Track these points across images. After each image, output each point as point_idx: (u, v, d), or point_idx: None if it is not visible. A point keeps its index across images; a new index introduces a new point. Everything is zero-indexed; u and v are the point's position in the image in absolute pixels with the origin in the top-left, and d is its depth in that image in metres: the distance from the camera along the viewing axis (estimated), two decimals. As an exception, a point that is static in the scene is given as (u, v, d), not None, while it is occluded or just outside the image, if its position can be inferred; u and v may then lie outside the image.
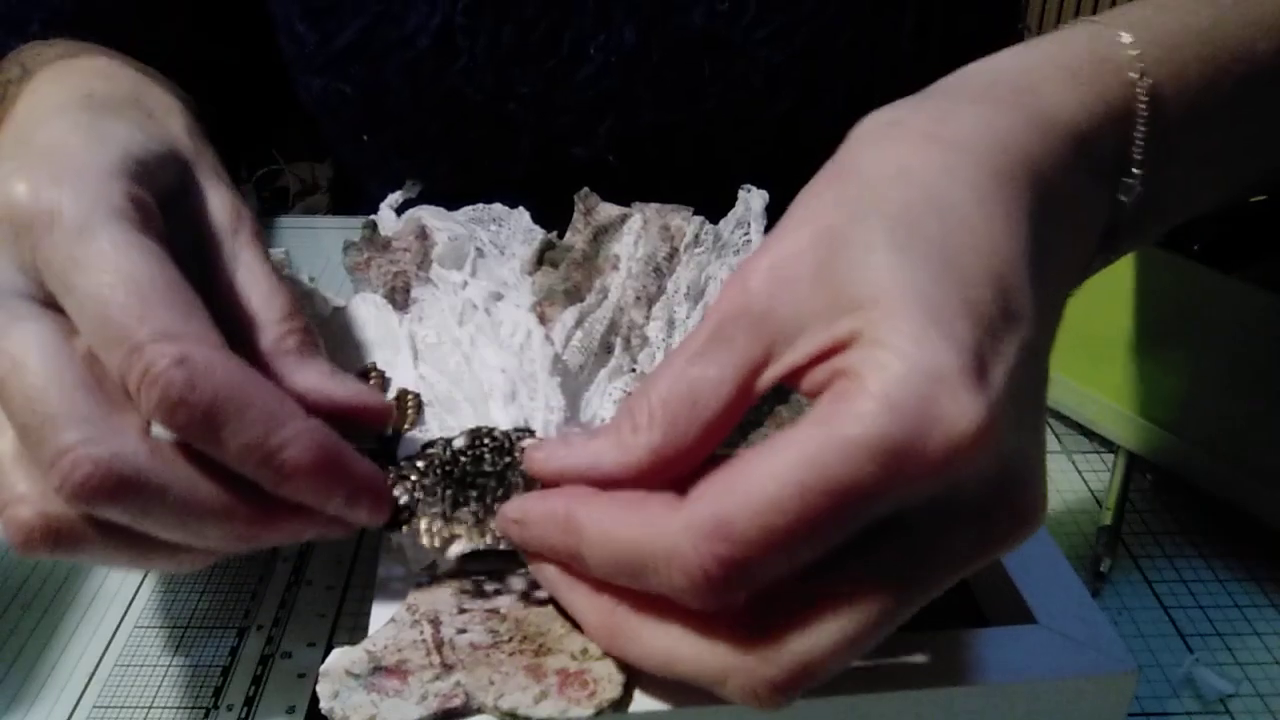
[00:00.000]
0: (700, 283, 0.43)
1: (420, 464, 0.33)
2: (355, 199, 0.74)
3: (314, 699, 0.29)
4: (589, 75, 0.58)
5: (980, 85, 0.31)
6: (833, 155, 0.30)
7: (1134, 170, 0.31)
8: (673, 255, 0.44)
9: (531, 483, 0.31)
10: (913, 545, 0.25)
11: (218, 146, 0.63)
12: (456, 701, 0.28)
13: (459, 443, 0.34)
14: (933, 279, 0.25)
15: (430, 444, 0.34)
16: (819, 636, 0.25)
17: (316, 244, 0.66)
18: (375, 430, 0.35)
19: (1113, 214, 0.32)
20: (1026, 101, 0.30)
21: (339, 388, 0.33)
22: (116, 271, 0.29)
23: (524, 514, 0.29)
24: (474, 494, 0.32)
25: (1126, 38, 0.32)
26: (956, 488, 0.25)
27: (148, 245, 0.30)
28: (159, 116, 0.36)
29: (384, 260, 0.45)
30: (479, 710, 0.28)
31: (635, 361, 0.39)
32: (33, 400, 0.28)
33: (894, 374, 0.24)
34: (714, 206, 0.47)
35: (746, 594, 0.25)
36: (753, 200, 0.46)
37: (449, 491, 0.33)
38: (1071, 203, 0.29)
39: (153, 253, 0.30)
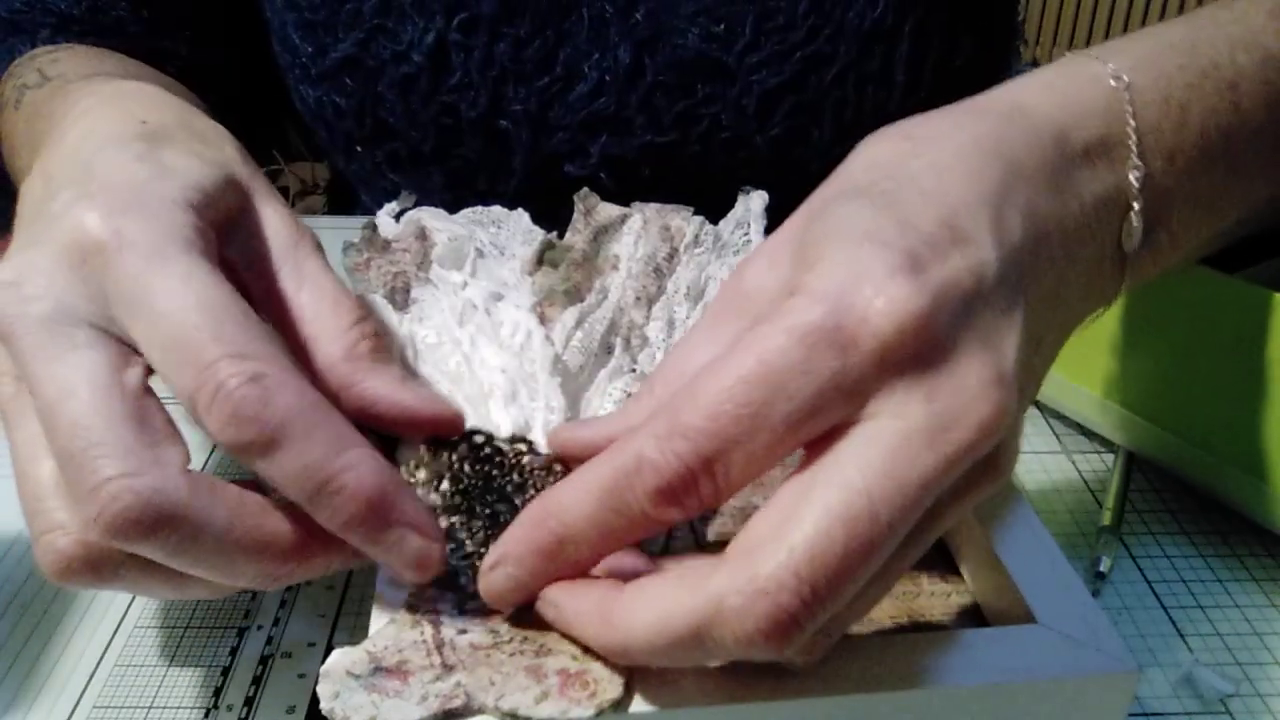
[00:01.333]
0: (700, 283, 0.43)
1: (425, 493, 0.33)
2: (352, 202, 0.74)
3: (314, 699, 0.29)
4: (583, 94, 0.58)
5: (958, 104, 0.33)
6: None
7: (1134, 160, 0.33)
8: (673, 255, 0.44)
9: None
10: (871, 437, 0.26)
11: None
12: (457, 702, 0.28)
13: (463, 465, 0.33)
14: (874, 211, 0.28)
15: (430, 457, 0.34)
16: (799, 530, 0.25)
17: (316, 244, 0.66)
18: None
19: (1123, 206, 0.33)
20: (999, 106, 0.32)
21: (411, 396, 0.33)
22: (190, 294, 0.29)
23: (503, 548, 0.29)
24: (484, 524, 0.32)
25: (1102, 58, 0.34)
26: (896, 377, 0.26)
27: (217, 273, 0.30)
28: (212, 141, 0.36)
29: (384, 261, 0.45)
30: (479, 711, 0.28)
31: (635, 362, 0.39)
32: (78, 428, 0.28)
33: (821, 274, 0.26)
34: (702, 213, 0.47)
35: (720, 492, 0.26)
36: (752, 201, 0.46)
37: (461, 518, 0.32)
38: (1054, 179, 0.31)
39: (219, 279, 0.30)
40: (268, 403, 0.28)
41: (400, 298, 0.43)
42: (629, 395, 0.38)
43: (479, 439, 0.34)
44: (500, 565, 0.29)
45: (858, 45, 0.57)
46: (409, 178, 0.62)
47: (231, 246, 0.34)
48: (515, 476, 0.33)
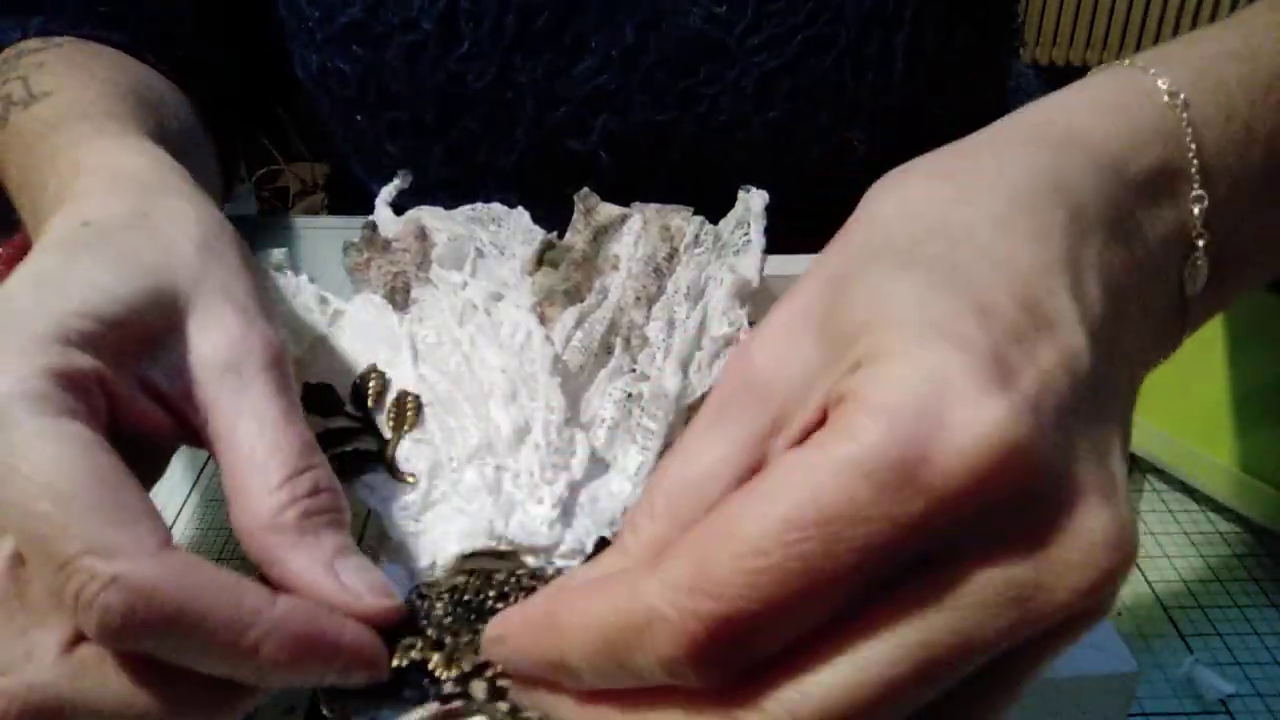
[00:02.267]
0: (700, 283, 0.43)
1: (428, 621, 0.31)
2: (351, 199, 0.74)
3: (314, 699, 0.29)
4: (588, 69, 0.58)
5: (995, 131, 0.28)
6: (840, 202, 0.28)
7: (1197, 189, 0.28)
8: (673, 255, 0.44)
9: None
10: (943, 580, 0.20)
11: (225, 145, 0.63)
12: (458, 702, 0.28)
13: (443, 611, 0.31)
14: (936, 290, 0.22)
15: (426, 592, 0.32)
16: (817, 681, 0.21)
17: (316, 244, 0.66)
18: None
19: (1187, 238, 0.28)
20: (1047, 133, 0.27)
21: (334, 586, 0.28)
22: (36, 474, 0.25)
23: (504, 626, 0.26)
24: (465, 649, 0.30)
25: (1152, 69, 0.29)
26: (989, 519, 0.20)
27: (73, 435, 0.26)
28: (164, 233, 0.33)
29: (384, 261, 0.45)
30: (479, 711, 0.28)
31: (635, 362, 0.39)
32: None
33: (891, 382, 0.21)
34: (704, 208, 0.47)
35: (751, 662, 0.21)
36: (753, 200, 0.46)
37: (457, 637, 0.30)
38: (1120, 223, 0.26)
39: (79, 444, 0.26)
40: (134, 609, 0.24)
41: (400, 298, 0.43)
42: (629, 396, 0.38)
43: (423, 589, 0.32)
44: (499, 644, 0.26)
45: (857, 29, 0.58)
46: (408, 149, 0.62)
47: (155, 365, 0.30)
48: (492, 592, 0.31)
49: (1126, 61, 0.30)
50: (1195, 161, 0.28)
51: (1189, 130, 0.28)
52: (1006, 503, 0.20)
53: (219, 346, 0.31)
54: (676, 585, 0.21)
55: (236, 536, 0.29)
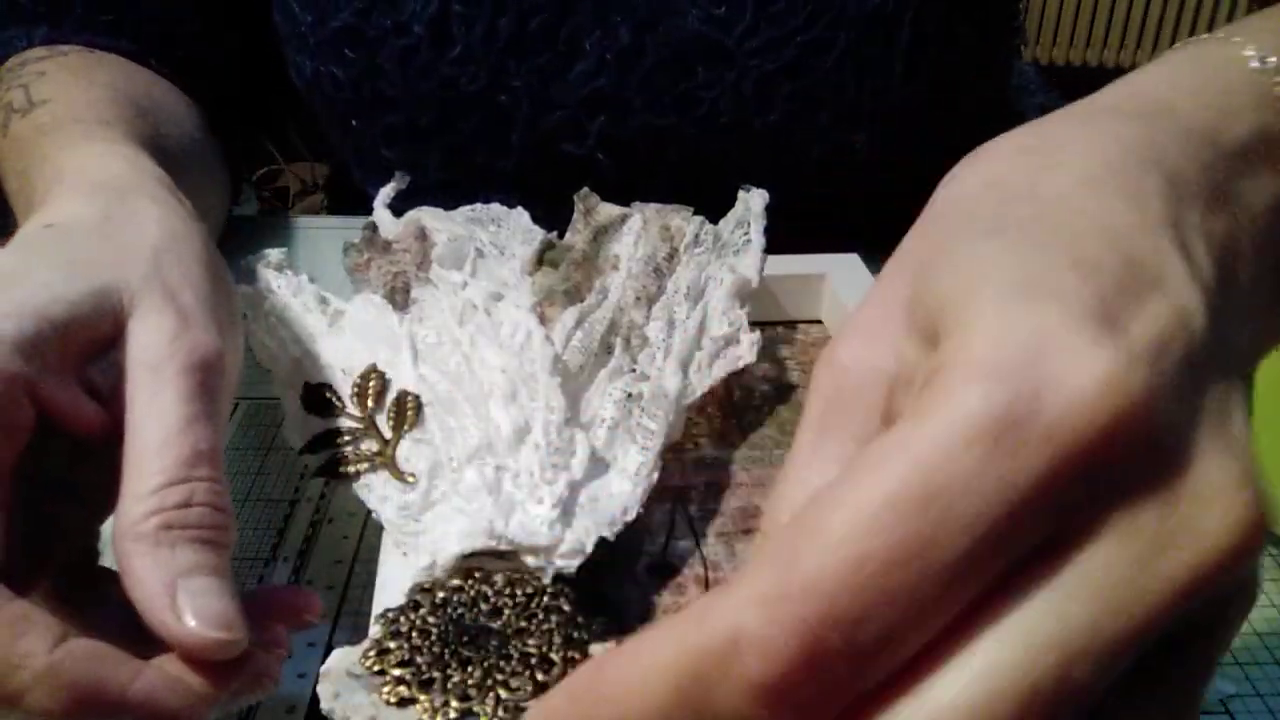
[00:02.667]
0: (700, 283, 0.43)
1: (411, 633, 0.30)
2: (351, 199, 0.74)
3: (314, 699, 0.29)
4: (583, 72, 0.58)
5: (1077, 106, 0.26)
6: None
7: None
8: (673, 255, 0.44)
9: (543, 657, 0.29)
10: (1088, 571, 0.18)
11: (232, 148, 0.63)
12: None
13: (427, 623, 0.30)
14: (1028, 250, 0.20)
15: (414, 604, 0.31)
16: (942, 695, 0.17)
17: (316, 244, 0.66)
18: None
19: None
20: (1135, 105, 0.25)
21: (162, 605, 0.27)
22: None
23: (544, 713, 0.20)
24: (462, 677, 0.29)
25: (1232, 39, 0.28)
26: (1111, 475, 0.18)
27: None
28: (121, 235, 0.33)
29: (384, 261, 0.45)
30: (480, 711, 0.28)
31: (635, 362, 0.39)
32: None
33: (986, 342, 0.18)
34: (703, 209, 0.47)
35: (864, 679, 0.18)
36: (753, 200, 0.46)
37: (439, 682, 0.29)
38: (1219, 191, 0.24)
39: None
40: None
41: (400, 298, 0.43)
42: (629, 395, 0.38)
43: (427, 585, 0.32)
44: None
45: (857, 32, 0.57)
46: (404, 154, 0.62)
47: (97, 368, 0.31)
48: (483, 605, 0.31)
49: (1202, 37, 0.29)
50: None
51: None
52: (1128, 456, 0.18)
53: (148, 346, 0.31)
54: (761, 597, 0.17)
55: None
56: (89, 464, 0.32)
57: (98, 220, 0.34)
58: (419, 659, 0.29)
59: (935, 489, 0.17)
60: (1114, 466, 0.18)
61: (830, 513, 0.18)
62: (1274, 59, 0.27)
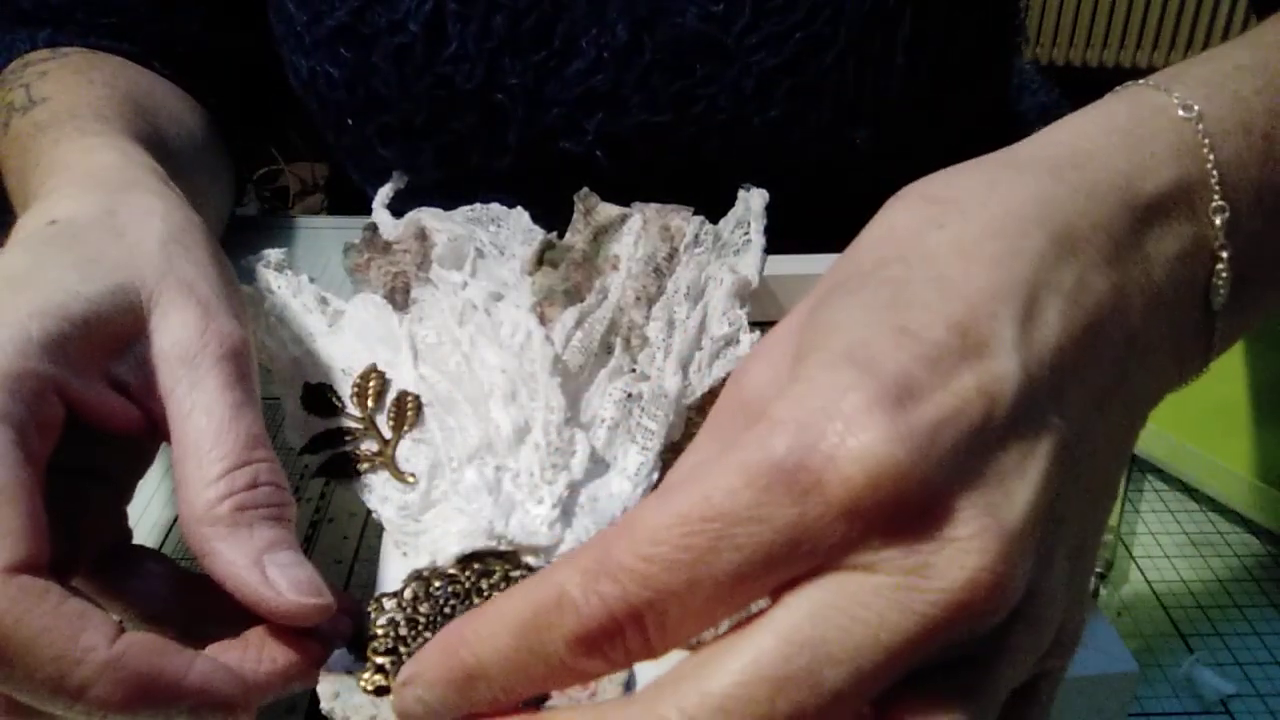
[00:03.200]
0: (700, 283, 0.43)
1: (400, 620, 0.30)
2: (351, 199, 0.74)
3: (314, 699, 0.29)
4: (579, 70, 0.58)
5: (1000, 153, 0.28)
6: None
7: (1218, 200, 0.28)
8: (673, 255, 0.44)
9: None
10: (831, 588, 0.22)
11: (230, 143, 0.63)
12: None
13: (415, 609, 0.31)
14: (868, 313, 0.23)
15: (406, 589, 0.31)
16: (717, 678, 0.21)
17: (316, 244, 0.66)
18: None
19: (1208, 258, 0.28)
20: (1050, 155, 0.27)
21: (259, 581, 0.28)
22: None
23: (414, 665, 0.25)
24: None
25: (1163, 86, 0.29)
26: (863, 531, 0.21)
27: None
28: (129, 231, 0.34)
29: (384, 261, 0.45)
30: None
31: (635, 362, 0.39)
32: None
33: (790, 400, 0.22)
34: (703, 208, 0.47)
35: (652, 644, 0.23)
36: (752, 200, 0.46)
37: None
38: (1116, 247, 0.26)
39: None
40: None
41: (400, 298, 0.43)
42: (629, 396, 0.38)
43: (426, 574, 0.32)
44: (410, 685, 0.25)
45: (858, 28, 0.57)
46: (400, 153, 0.62)
47: (123, 362, 0.31)
48: (476, 598, 0.31)
49: (1141, 82, 0.30)
50: (1215, 173, 0.28)
51: (1206, 142, 0.28)
52: (880, 513, 0.21)
53: (177, 340, 0.31)
54: (584, 569, 0.22)
55: (180, 525, 0.30)
56: (111, 447, 0.33)
57: (102, 215, 0.34)
58: (403, 649, 0.29)
59: (713, 514, 0.21)
60: (866, 521, 0.21)
61: (644, 515, 0.22)
62: (1197, 108, 0.28)
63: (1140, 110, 0.29)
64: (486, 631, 0.24)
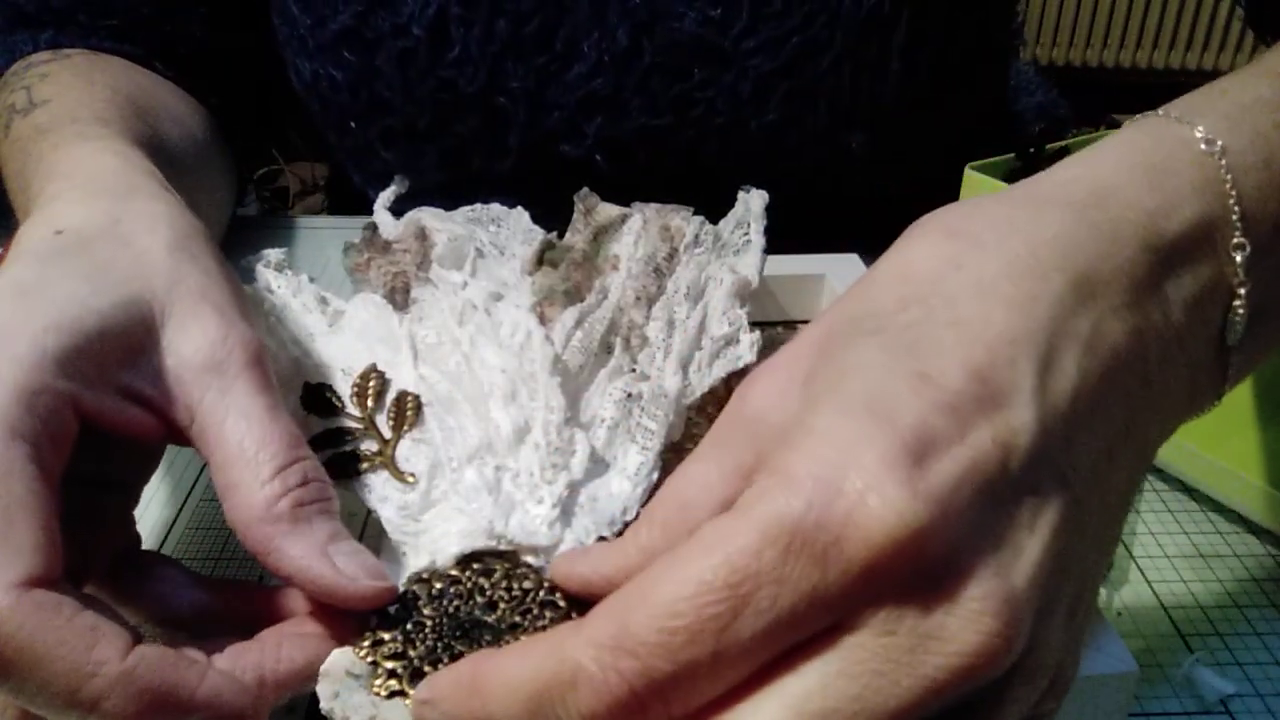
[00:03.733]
0: (700, 283, 0.43)
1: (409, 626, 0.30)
2: (351, 199, 0.74)
3: (314, 699, 0.29)
4: (581, 74, 0.58)
5: (1022, 186, 0.28)
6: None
7: (1239, 237, 0.27)
8: (673, 255, 0.44)
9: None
10: (846, 654, 0.22)
11: (232, 142, 0.63)
12: None
13: (422, 615, 0.30)
14: (888, 357, 0.23)
15: (417, 590, 0.31)
16: None
17: (316, 244, 0.66)
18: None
19: (1227, 298, 0.28)
20: (1072, 192, 0.27)
21: (329, 570, 0.29)
22: None
23: (432, 690, 0.26)
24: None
25: (1185, 119, 0.29)
26: (882, 592, 0.21)
27: None
28: (136, 240, 0.34)
29: (384, 261, 0.45)
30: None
31: (635, 361, 0.39)
32: None
33: (806, 452, 0.22)
34: (702, 210, 0.47)
35: (670, 715, 0.22)
36: (752, 200, 0.46)
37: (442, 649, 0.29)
38: (1136, 288, 0.26)
39: None
40: None
41: (400, 298, 0.43)
42: (629, 395, 0.38)
43: (428, 575, 0.32)
44: (429, 707, 0.26)
45: (854, 32, 0.57)
46: (402, 156, 0.62)
47: (137, 371, 0.31)
48: (479, 598, 0.31)
49: (1160, 111, 0.30)
50: (1236, 209, 0.27)
51: (1228, 178, 0.28)
52: (898, 573, 0.21)
53: (200, 348, 0.32)
54: (600, 643, 0.22)
55: (234, 530, 0.30)
56: (121, 455, 0.33)
57: (108, 224, 0.34)
58: (411, 652, 0.29)
59: (736, 579, 0.21)
60: (885, 580, 0.21)
61: (660, 584, 0.22)
62: (1220, 142, 0.28)
63: (1163, 144, 0.28)
64: (500, 689, 0.24)
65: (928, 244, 0.26)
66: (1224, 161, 0.28)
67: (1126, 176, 0.27)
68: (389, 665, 0.29)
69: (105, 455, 0.32)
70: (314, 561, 0.29)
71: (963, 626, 0.21)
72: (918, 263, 0.26)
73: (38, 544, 0.27)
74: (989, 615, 0.21)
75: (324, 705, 0.28)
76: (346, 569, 0.30)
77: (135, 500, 0.35)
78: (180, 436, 0.32)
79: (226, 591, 0.32)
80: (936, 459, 0.22)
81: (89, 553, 0.31)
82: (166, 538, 0.44)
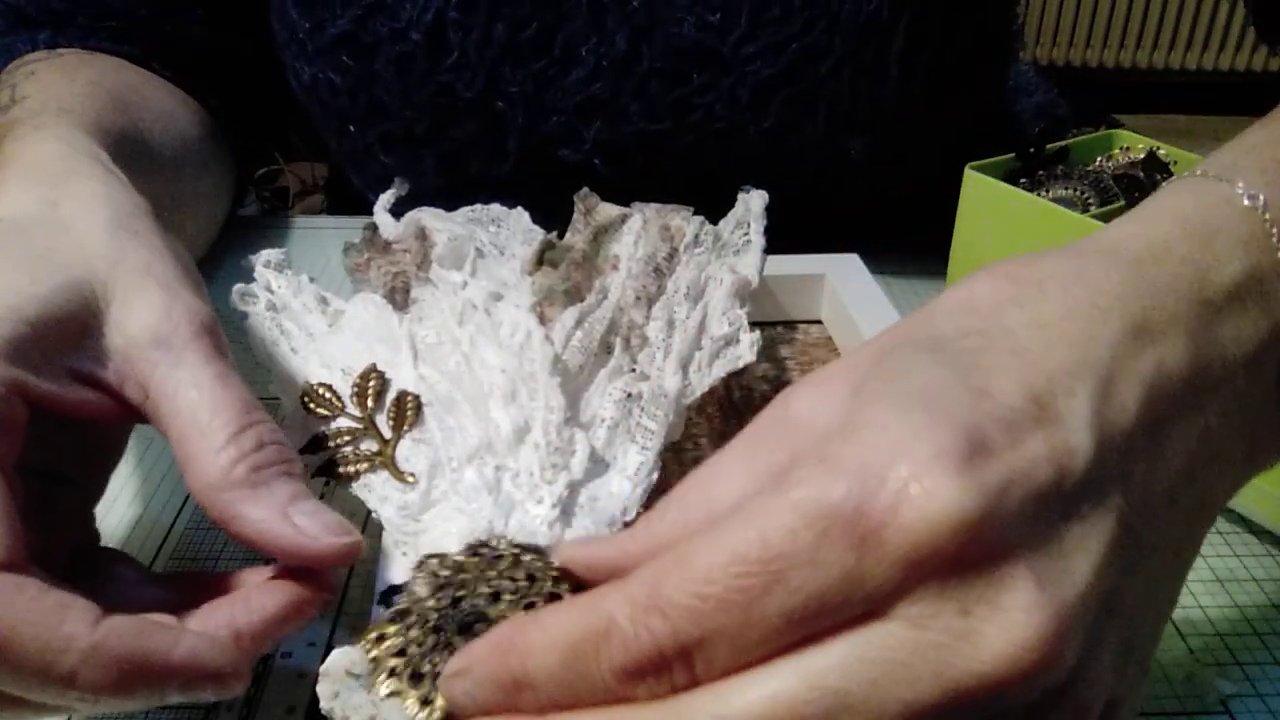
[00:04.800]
0: (700, 283, 0.43)
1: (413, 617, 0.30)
2: (351, 199, 0.74)
3: (314, 699, 0.29)
4: (579, 78, 0.58)
5: (1080, 245, 0.28)
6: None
7: None
8: (673, 255, 0.44)
9: None
10: (873, 640, 0.21)
11: (233, 144, 0.63)
12: None
13: (426, 603, 0.30)
14: (946, 372, 0.23)
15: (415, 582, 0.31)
16: (738, 697, 0.22)
17: (316, 244, 0.66)
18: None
19: None
20: (1129, 247, 0.27)
21: (291, 530, 0.29)
22: None
23: (468, 658, 0.26)
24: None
25: (1224, 176, 0.29)
26: (921, 583, 0.21)
27: None
28: (74, 223, 0.33)
29: (384, 261, 0.45)
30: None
31: (635, 361, 0.39)
32: None
33: (858, 443, 0.22)
34: (701, 215, 0.47)
35: (694, 676, 0.23)
36: (752, 201, 0.46)
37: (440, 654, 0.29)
38: (1193, 338, 0.26)
39: None
40: None
41: (400, 298, 0.43)
42: (629, 395, 0.38)
43: (433, 562, 0.32)
44: (460, 678, 0.26)
45: (853, 38, 0.57)
46: (401, 160, 0.62)
47: (85, 354, 0.31)
48: (484, 588, 0.31)
49: (1199, 172, 0.30)
50: None
51: (1274, 231, 0.28)
52: (936, 571, 0.21)
53: (146, 324, 0.32)
54: (635, 600, 0.23)
55: (195, 499, 0.30)
56: (75, 449, 0.33)
57: (45, 209, 0.34)
58: (412, 649, 0.29)
59: (774, 555, 0.21)
60: (923, 572, 0.21)
61: (697, 552, 0.22)
62: (1262, 196, 0.28)
63: (1205, 201, 0.29)
64: (537, 645, 0.24)
65: (990, 284, 0.26)
66: (1268, 216, 0.28)
67: (1180, 232, 0.28)
68: (391, 663, 0.29)
69: (56, 449, 0.32)
70: (274, 524, 0.29)
71: (999, 633, 0.21)
72: (980, 298, 0.26)
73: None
74: (1026, 626, 0.21)
75: (324, 706, 0.28)
76: (308, 529, 0.30)
77: (94, 497, 0.34)
78: (137, 415, 0.32)
79: (183, 583, 0.32)
80: (987, 461, 0.21)
81: (44, 549, 0.31)
82: (166, 538, 0.44)
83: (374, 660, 0.29)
